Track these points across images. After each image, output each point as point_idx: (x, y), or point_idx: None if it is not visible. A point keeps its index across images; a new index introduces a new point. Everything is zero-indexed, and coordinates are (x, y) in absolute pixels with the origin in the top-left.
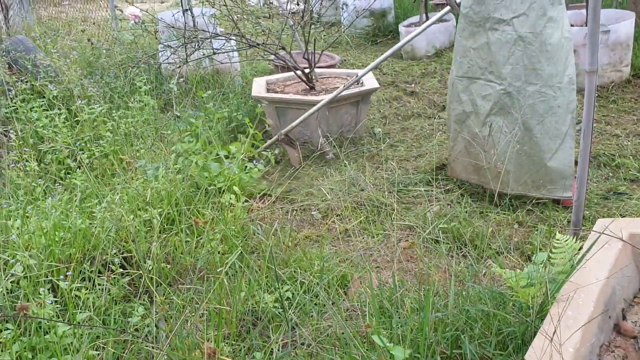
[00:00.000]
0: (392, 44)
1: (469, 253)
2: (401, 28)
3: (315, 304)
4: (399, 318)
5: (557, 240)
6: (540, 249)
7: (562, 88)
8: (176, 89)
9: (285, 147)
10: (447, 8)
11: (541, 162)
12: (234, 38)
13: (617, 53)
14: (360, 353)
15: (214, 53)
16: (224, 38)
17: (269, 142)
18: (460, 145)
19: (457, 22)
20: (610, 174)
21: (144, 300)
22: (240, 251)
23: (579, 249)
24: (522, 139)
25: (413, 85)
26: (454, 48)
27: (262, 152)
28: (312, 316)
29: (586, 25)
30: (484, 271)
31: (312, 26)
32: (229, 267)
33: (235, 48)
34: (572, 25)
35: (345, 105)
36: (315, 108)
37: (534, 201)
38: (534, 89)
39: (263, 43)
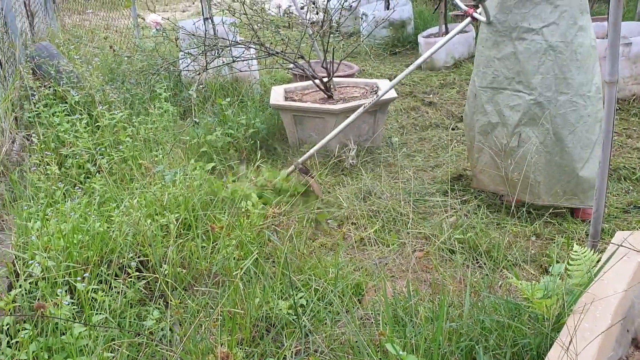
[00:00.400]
0: (411, 54)
1: (485, 264)
2: (420, 39)
3: (329, 312)
4: (413, 327)
5: (575, 252)
6: (557, 261)
7: (590, 97)
8: (195, 95)
9: (305, 177)
10: (468, 19)
11: (573, 172)
12: (253, 46)
13: (638, 66)
14: None
15: (234, 61)
16: (243, 46)
17: (286, 171)
18: (486, 157)
19: (476, 33)
20: (631, 188)
21: (159, 304)
22: (255, 257)
23: (597, 262)
24: (553, 149)
25: (431, 95)
26: (475, 58)
27: None
28: (325, 323)
29: (607, 37)
30: (500, 282)
31: (331, 36)
32: (244, 273)
33: (254, 56)
34: None
35: (362, 115)
36: (346, 123)
37: (551, 212)
38: (565, 99)
39: (282, 51)
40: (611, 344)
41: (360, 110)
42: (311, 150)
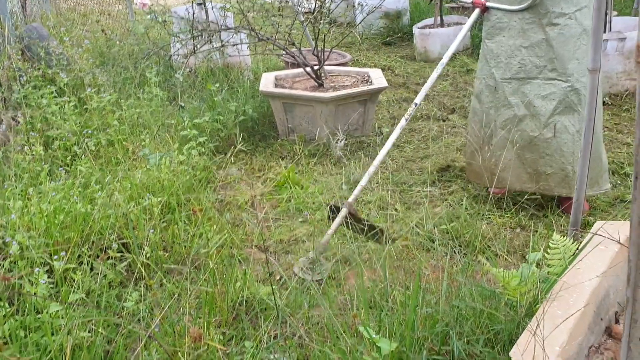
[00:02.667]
0: (406, 45)
1: (465, 254)
2: (415, 30)
3: (308, 295)
4: (388, 312)
5: (554, 241)
6: (534, 249)
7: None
8: (182, 79)
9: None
10: (477, 11)
11: (599, 157)
12: (243, 31)
13: (632, 61)
14: (348, 345)
15: (222, 45)
16: (232, 31)
17: (337, 221)
18: (510, 153)
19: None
20: (619, 182)
21: (139, 286)
22: (235, 242)
23: (576, 251)
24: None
25: None
26: (489, 50)
27: None
28: (303, 307)
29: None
30: (478, 271)
31: (322, 22)
32: (225, 258)
33: (244, 41)
34: None
35: (353, 104)
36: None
37: (537, 205)
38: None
39: (272, 37)
40: (583, 330)
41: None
42: (355, 193)
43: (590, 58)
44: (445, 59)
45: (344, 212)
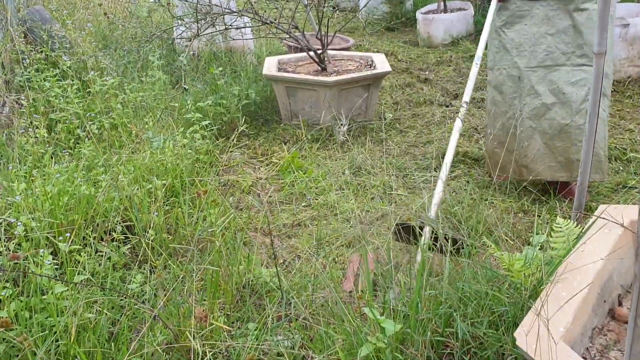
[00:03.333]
0: (409, 31)
1: (470, 238)
2: (419, 15)
3: (312, 276)
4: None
5: (557, 224)
6: (539, 233)
7: None
8: (185, 62)
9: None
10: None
11: (605, 144)
12: (246, 14)
13: (635, 48)
14: (353, 326)
15: (226, 29)
16: (235, 14)
17: (422, 241)
18: (538, 143)
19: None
20: (621, 168)
21: (144, 269)
22: (239, 225)
23: (579, 234)
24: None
25: (427, 72)
26: (509, 40)
27: None
28: (307, 288)
29: None
30: (483, 256)
31: (326, 5)
32: (229, 240)
33: (247, 25)
34: None
35: (356, 88)
36: None
37: (540, 190)
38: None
39: (276, 20)
40: (587, 312)
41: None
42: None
43: (596, 41)
44: (479, 52)
45: (427, 231)
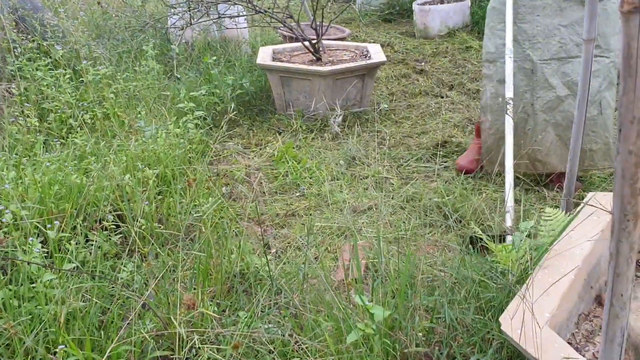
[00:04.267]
0: (406, 22)
1: (461, 226)
2: (415, 6)
3: (302, 264)
4: (382, 281)
5: (547, 212)
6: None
7: None
8: (177, 50)
9: None
10: None
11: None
12: (240, 3)
13: None
14: (342, 313)
15: (219, 17)
16: (229, 2)
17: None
18: (551, 136)
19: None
20: None
21: (134, 258)
22: (230, 213)
23: (569, 222)
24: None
25: (423, 63)
26: (521, 31)
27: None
28: (297, 277)
29: None
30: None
31: None
32: (220, 229)
33: (242, 14)
34: None
35: (351, 78)
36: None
37: (532, 180)
38: None
39: (270, 9)
40: (573, 298)
41: None
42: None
43: (585, 28)
44: (509, 44)
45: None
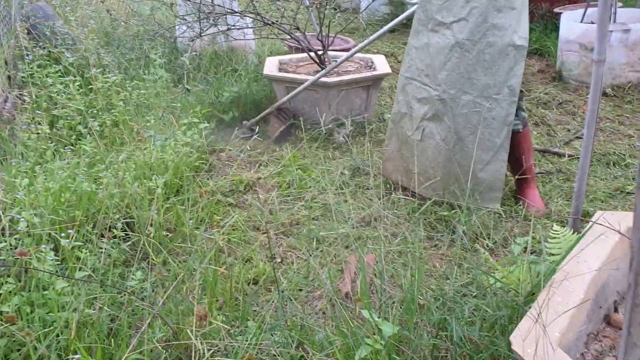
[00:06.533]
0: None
1: (465, 241)
2: None
3: (306, 277)
4: (388, 297)
5: (554, 231)
6: (523, 235)
7: (499, 100)
8: (188, 62)
9: (272, 119)
10: (416, 6)
11: (472, 173)
12: (249, 15)
13: (636, 53)
14: (350, 327)
15: (228, 29)
16: (238, 14)
17: (259, 116)
18: (394, 145)
19: None
20: (619, 173)
21: (143, 266)
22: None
23: (576, 241)
24: (453, 147)
25: None
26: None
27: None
28: (301, 290)
29: None
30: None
31: (327, 7)
32: (230, 239)
33: (250, 25)
34: (592, 23)
35: (356, 89)
36: (303, 86)
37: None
38: (468, 99)
39: (277, 21)
40: (582, 318)
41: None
42: (285, 98)
43: (596, 49)
44: (373, 37)
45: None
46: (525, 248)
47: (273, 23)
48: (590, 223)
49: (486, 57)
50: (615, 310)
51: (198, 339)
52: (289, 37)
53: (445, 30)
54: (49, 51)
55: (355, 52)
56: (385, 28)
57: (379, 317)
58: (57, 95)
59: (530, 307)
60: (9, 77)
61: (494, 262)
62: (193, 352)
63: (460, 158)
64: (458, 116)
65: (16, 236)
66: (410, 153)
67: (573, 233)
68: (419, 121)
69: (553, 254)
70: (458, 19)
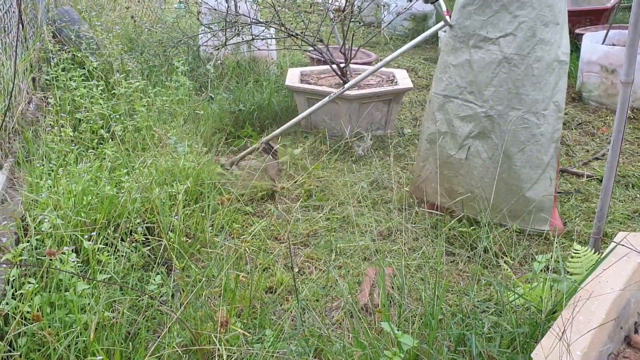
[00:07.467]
0: (431, 48)
1: (488, 257)
2: (441, 33)
3: (326, 288)
4: (408, 311)
5: (575, 250)
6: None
7: (546, 115)
8: (212, 71)
9: (268, 163)
10: (441, 23)
11: (519, 192)
12: (273, 26)
13: None
14: (369, 339)
15: (253, 39)
16: (263, 25)
17: (245, 152)
18: (432, 166)
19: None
20: (638, 195)
21: (162, 270)
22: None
23: (597, 261)
24: (501, 166)
25: None
26: (438, 62)
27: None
28: (318, 300)
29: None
30: (499, 277)
31: (352, 22)
32: (251, 248)
33: (273, 36)
34: (614, 45)
35: (377, 103)
36: (326, 99)
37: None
38: (516, 115)
39: (302, 33)
40: (603, 338)
41: (326, 99)
42: (277, 131)
43: (624, 71)
44: (395, 54)
45: None
46: (547, 266)
47: (297, 35)
48: (613, 244)
49: (534, 72)
50: (636, 331)
51: (222, 344)
52: (311, 48)
53: (490, 46)
54: (74, 55)
55: (381, 67)
56: (412, 42)
57: (398, 330)
58: (81, 98)
59: (552, 325)
60: (33, 80)
61: (515, 279)
62: (216, 358)
63: (508, 177)
64: (506, 133)
65: (37, 237)
66: (454, 173)
67: (594, 253)
68: (462, 139)
69: (574, 273)
70: (505, 34)
